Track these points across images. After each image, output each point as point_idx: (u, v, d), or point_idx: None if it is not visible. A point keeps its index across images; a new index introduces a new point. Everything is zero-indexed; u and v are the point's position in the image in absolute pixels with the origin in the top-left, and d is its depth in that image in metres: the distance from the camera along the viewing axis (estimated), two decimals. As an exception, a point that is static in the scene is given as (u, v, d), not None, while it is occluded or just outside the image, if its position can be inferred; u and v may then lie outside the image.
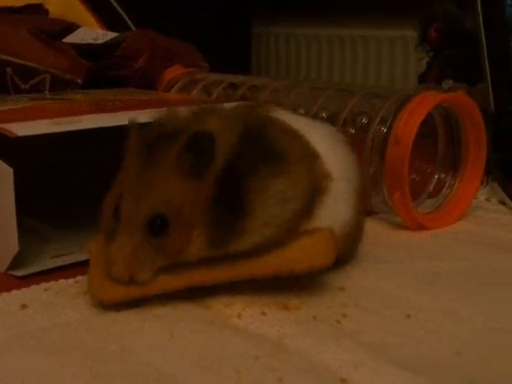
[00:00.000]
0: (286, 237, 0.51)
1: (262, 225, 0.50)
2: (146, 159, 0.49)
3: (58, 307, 0.50)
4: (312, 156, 0.53)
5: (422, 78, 1.44)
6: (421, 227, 0.68)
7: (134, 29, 1.10)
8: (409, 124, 0.65)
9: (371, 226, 0.64)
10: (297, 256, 0.50)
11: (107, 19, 1.11)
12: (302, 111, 0.73)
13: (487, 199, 0.80)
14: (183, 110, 0.53)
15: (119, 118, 0.58)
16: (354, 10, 2.71)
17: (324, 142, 0.55)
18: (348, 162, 0.56)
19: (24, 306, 0.50)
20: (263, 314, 0.49)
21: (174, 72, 0.92)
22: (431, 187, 0.75)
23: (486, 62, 0.84)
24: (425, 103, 0.67)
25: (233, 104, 0.58)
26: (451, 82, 1.26)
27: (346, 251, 0.57)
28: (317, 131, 0.56)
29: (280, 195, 0.50)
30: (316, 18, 2.83)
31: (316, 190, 0.53)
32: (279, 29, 2.98)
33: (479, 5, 0.84)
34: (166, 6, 2.22)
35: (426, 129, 0.73)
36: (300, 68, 2.95)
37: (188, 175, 0.48)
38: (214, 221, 0.49)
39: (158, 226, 0.48)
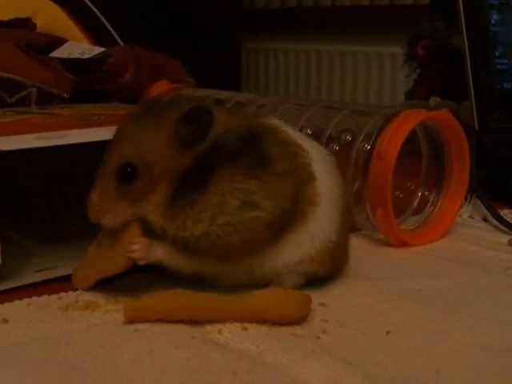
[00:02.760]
0: (246, 249, 0.52)
1: (214, 214, 0.51)
2: (138, 120, 0.53)
3: (39, 322, 0.50)
4: (306, 178, 0.55)
5: (410, 95, 1.45)
6: (404, 244, 0.69)
7: (121, 44, 1.10)
8: (392, 141, 0.66)
9: (354, 243, 0.64)
10: (267, 305, 0.50)
11: (95, 34, 1.11)
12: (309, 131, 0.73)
13: (470, 216, 0.80)
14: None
15: (103, 133, 0.58)
16: (344, 26, 2.73)
17: (321, 163, 0.57)
18: (336, 184, 0.57)
19: (4, 321, 0.50)
20: (244, 329, 0.49)
21: (159, 87, 0.92)
22: (415, 204, 0.76)
23: (470, 80, 0.85)
24: (409, 121, 0.67)
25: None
26: (438, 98, 1.27)
27: (328, 268, 0.57)
28: (316, 151, 0.57)
29: (243, 195, 0.51)
30: (306, 33, 2.85)
31: (297, 213, 0.54)
32: (269, 44, 2.99)
33: (463, 23, 0.85)
34: (157, 22, 2.23)
35: (411, 146, 0.73)
36: (289, 83, 2.97)
37: (177, 143, 0.52)
38: (178, 187, 0.52)
39: (127, 175, 0.52)
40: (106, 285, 0.56)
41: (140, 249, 0.53)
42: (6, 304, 0.53)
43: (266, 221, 0.52)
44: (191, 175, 0.52)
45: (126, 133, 0.53)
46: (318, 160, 0.57)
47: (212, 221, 0.51)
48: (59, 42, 0.98)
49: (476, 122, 0.85)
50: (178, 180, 0.52)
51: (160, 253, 0.53)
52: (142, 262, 0.53)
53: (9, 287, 0.56)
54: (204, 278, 0.54)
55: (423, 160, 0.75)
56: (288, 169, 0.53)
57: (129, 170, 0.52)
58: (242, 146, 0.52)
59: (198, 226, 0.51)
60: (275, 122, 0.57)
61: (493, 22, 0.88)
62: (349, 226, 0.60)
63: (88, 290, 0.55)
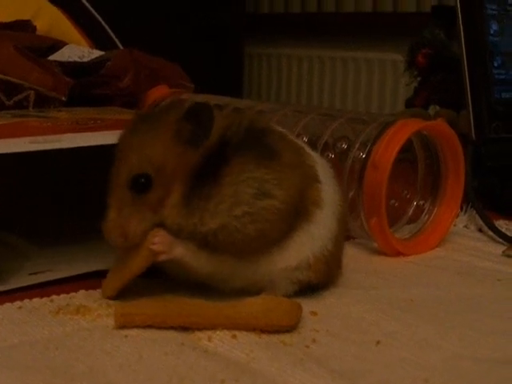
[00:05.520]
0: (265, 240, 0.53)
1: (231, 204, 0.51)
2: (137, 130, 0.53)
3: (29, 325, 0.50)
4: (312, 180, 0.55)
5: (410, 103, 1.45)
6: (398, 253, 0.69)
7: (121, 47, 1.10)
8: (387, 149, 0.66)
9: (348, 251, 0.64)
10: (257, 313, 0.50)
11: (95, 37, 1.11)
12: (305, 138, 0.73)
13: (465, 226, 0.80)
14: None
15: (98, 138, 0.58)
16: (346, 32, 2.73)
17: (322, 168, 0.57)
18: (335, 191, 0.58)
19: (-5, 323, 0.50)
20: (234, 337, 0.49)
21: (158, 92, 0.92)
22: (410, 213, 0.76)
23: (468, 90, 0.85)
24: (404, 130, 0.67)
25: None
26: (438, 107, 1.27)
27: (321, 277, 0.57)
28: (317, 156, 0.59)
29: (257, 184, 0.52)
30: (308, 39, 2.85)
31: (303, 210, 0.54)
32: (272, 50, 3.00)
33: (462, 33, 0.85)
34: (158, 26, 2.23)
35: (407, 155, 0.73)
36: (291, 88, 2.97)
37: (181, 141, 0.52)
38: (191, 186, 0.52)
39: (141, 185, 0.51)
40: (99, 289, 0.56)
41: (162, 242, 0.52)
42: (-3, 307, 0.53)
43: (279, 210, 0.52)
44: (203, 172, 0.52)
45: (128, 145, 0.53)
46: (320, 165, 0.57)
47: (229, 212, 0.51)
48: (58, 45, 0.99)
49: (473, 131, 0.85)
50: (191, 179, 0.52)
51: (181, 250, 0.52)
52: (162, 257, 0.52)
53: (2, 290, 0.56)
54: (214, 280, 0.55)
55: (419, 169, 0.75)
56: (294, 162, 0.54)
57: (142, 180, 0.51)
58: (249, 139, 0.53)
59: (216, 218, 0.51)
60: (272, 124, 0.58)
61: (492, 31, 0.88)
62: (345, 236, 0.60)
63: (113, 299, 0.55)
